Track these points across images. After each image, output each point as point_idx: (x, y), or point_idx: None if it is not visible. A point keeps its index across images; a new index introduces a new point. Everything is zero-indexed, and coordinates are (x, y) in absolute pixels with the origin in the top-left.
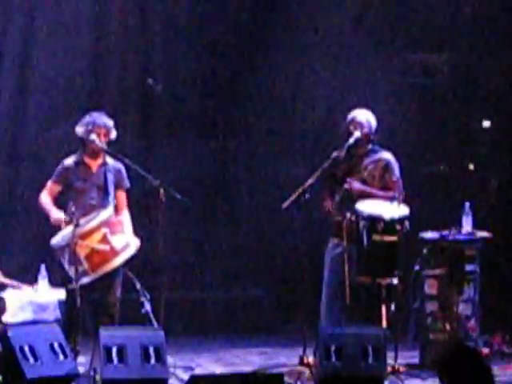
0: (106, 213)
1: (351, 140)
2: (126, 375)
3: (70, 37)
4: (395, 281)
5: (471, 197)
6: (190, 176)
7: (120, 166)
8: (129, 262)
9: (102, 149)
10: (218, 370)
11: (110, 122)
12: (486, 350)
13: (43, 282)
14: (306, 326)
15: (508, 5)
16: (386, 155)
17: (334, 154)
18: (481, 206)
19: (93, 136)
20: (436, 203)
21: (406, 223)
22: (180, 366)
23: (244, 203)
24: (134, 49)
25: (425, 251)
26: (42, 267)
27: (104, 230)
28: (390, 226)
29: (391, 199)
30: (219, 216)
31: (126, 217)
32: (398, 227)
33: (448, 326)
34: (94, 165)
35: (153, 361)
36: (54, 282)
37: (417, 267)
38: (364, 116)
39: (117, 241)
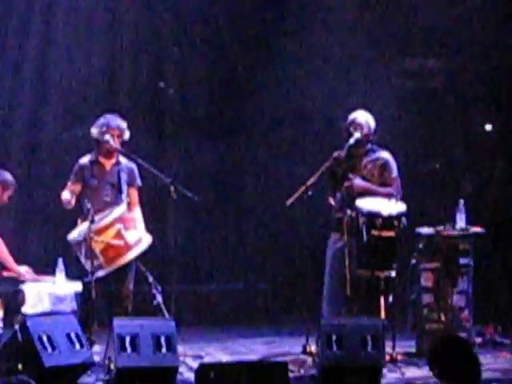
0: (120, 209)
1: (351, 140)
2: (138, 363)
3: (86, 43)
4: (393, 274)
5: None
6: (198, 174)
7: (133, 165)
8: (141, 256)
9: (116, 149)
10: (225, 358)
11: (124, 124)
12: (478, 340)
13: (61, 275)
14: (309, 317)
15: (503, 9)
16: (385, 154)
17: (335, 153)
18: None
19: (107, 137)
20: (431, 200)
21: (404, 219)
22: (190, 354)
23: (250, 201)
24: (147, 55)
25: (421, 246)
26: (60, 261)
27: (118, 225)
28: (388, 221)
29: (389, 196)
30: (227, 213)
31: (137, 213)
32: (396, 223)
33: (443, 317)
34: (108, 164)
35: (164, 350)
36: (70, 275)
37: (413, 261)
38: (364, 118)
39: (130, 236)
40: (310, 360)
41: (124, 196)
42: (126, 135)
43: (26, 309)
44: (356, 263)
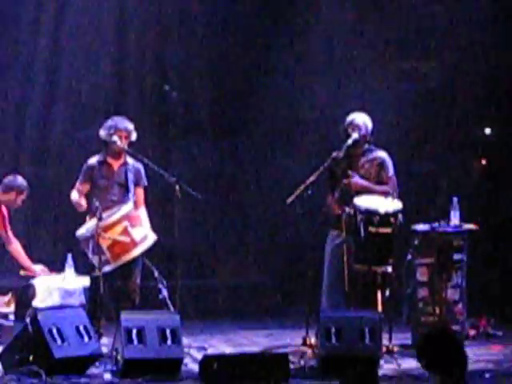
0: (127, 207)
1: (349, 141)
2: (144, 355)
3: (94, 48)
4: (389, 269)
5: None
6: (202, 174)
7: (139, 165)
8: (148, 253)
9: (123, 150)
10: (228, 350)
11: (131, 126)
12: (472, 332)
13: (70, 270)
14: (309, 310)
15: (498, 11)
16: (381, 154)
17: (334, 153)
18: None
19: (115, 138)
20: (427, 198)
21: (400, 216)
22: (194, 346)
23: (252, 198)
24: (152, 58)
25: (416, 242)
26: (69, 256)
27: (125, 223)
28: (384, 219)
29: (386, 194)
30: (229, 210)
31: (143, 212)
32: (392, 220)
33: (437, 310)
34: (116, 164)
35: (169, 342)
36: (79, 270)
37: (409, 256)
38: (361, 119)
39: (136, 233)
40: (309, 351)
41: (131, 195)
42: (134, 136)
43: (37, 303)
44: (354, 258)
